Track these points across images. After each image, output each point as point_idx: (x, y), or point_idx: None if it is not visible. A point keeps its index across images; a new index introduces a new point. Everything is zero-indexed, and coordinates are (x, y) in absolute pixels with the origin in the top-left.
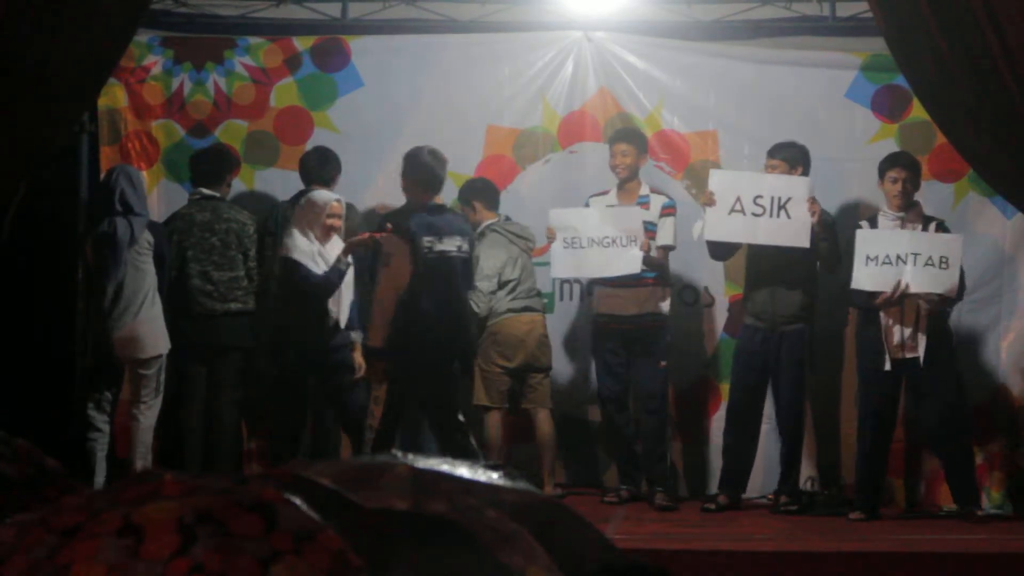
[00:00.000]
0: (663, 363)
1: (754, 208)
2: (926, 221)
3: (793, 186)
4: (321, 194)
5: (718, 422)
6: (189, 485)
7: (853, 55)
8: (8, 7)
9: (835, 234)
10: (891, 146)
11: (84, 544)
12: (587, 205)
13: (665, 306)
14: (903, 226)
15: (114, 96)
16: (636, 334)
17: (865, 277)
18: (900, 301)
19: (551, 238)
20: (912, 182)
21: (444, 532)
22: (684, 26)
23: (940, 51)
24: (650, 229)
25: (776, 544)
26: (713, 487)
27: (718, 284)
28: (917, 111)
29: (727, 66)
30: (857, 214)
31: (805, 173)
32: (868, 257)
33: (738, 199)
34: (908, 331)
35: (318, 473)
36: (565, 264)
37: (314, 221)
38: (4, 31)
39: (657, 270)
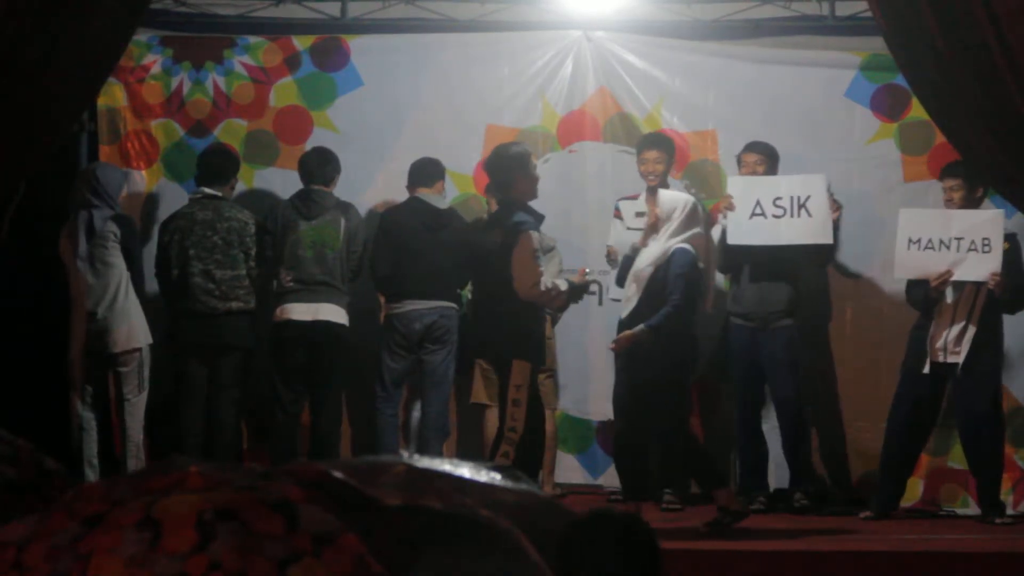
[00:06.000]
0: None
1: (775, 210)
2: None
3: (811, 184)
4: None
5: (718, 422)
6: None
7: (852, 55)
8: (8, 6)
9: (838, 229)
10: (890, 146)
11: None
12: (617, 208)
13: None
14: None
15: (113, 95)
16: None
17: (908, 262)
18: (945, 295)
19: None
20: (964, 190)
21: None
22: (684, 25)
23: (940, 51)
24: None
25: (777, 544)
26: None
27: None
28: (917, 111)
29: (727, 65)
30: (856, 213)
31: (774, 171)
32: (911, 240)
33: (757, 202)
34: (955, 334)
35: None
36: None
37: None
38: (4, 30)
39: None
